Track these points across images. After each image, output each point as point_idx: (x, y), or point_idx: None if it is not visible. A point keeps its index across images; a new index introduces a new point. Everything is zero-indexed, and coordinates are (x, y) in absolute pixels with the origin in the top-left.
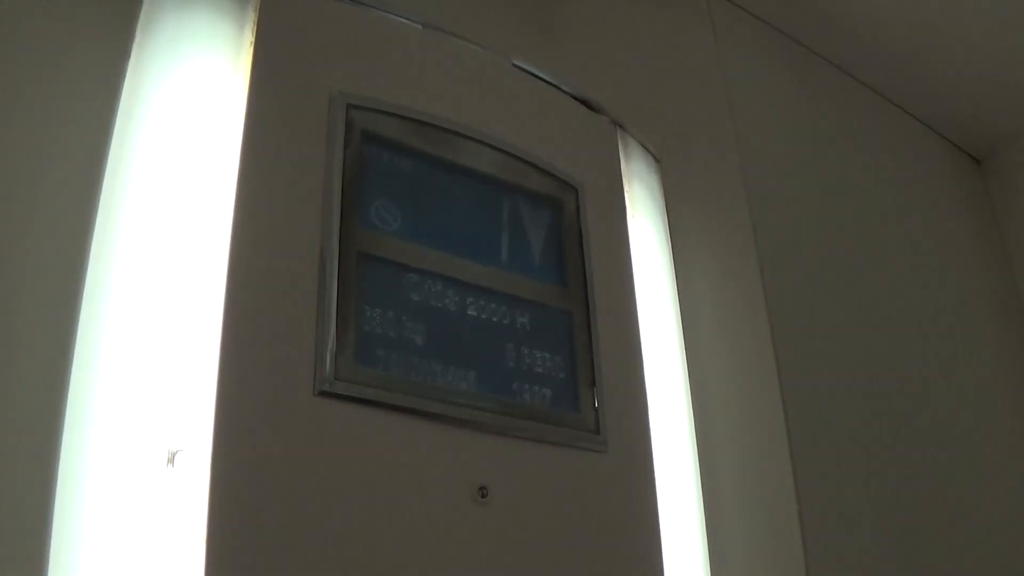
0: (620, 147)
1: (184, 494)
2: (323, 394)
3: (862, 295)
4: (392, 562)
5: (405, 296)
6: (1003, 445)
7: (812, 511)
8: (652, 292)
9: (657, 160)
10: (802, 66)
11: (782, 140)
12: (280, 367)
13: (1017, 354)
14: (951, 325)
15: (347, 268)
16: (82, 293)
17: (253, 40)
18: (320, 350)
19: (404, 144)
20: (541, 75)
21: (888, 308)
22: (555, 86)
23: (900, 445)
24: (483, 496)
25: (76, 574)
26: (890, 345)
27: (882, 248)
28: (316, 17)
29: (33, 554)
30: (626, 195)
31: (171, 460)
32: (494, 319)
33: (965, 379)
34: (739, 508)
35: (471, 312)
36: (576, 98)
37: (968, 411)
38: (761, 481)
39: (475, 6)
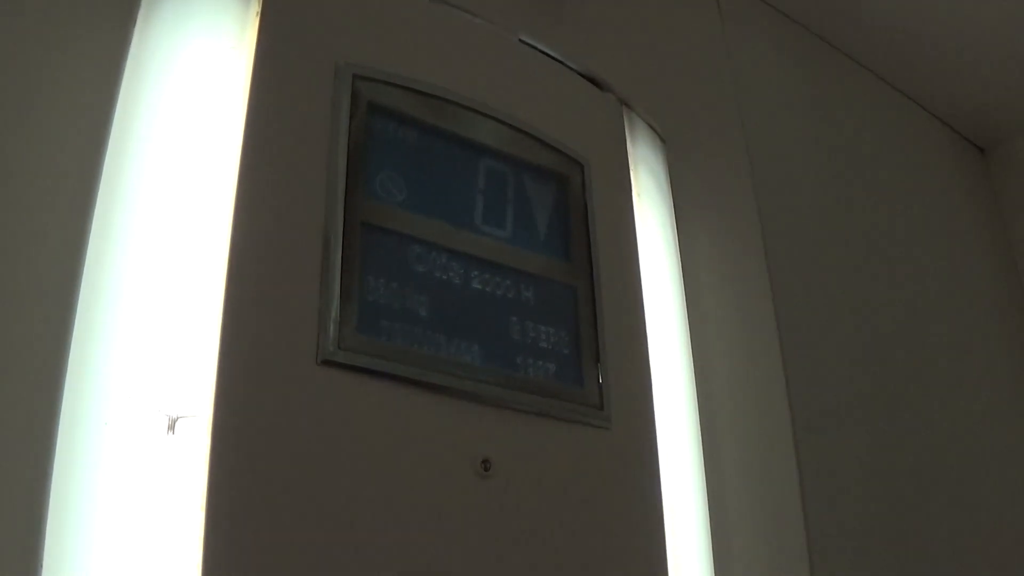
0: (626, 126)
1: (184, 461)
2: (326, 363)
3: (865, 280)
4: (393, 534)
5: (409, 267)
6: (1009, 436)
7: (815, 487)
8: (656, 269)
9: (663, 140)
10: (807, 50)
11: (786, 122)
12: (283, 335)
13: (1021, 344)
14: (954, 314)
15: (351, 238)
16: (84, 261)
17: (259, 11)
18: (323, 319)
19: (410, 116)
20: (548, 52)
21: (890, 293)
22: (562, 63)
23: (898, 418)
24: (486, 469)
25: (75, 541)
26: (891, 327)
27: (884, 233)
28: None
29: (31, 521)
30: (631, 173)
31: (172, 427)
32: (498, 292)
33: (969, 368)
34: (742, 485)
35: (475, 285)
36: (583, 75)
37: (973, 402)
38: (764, 459)
39: None
